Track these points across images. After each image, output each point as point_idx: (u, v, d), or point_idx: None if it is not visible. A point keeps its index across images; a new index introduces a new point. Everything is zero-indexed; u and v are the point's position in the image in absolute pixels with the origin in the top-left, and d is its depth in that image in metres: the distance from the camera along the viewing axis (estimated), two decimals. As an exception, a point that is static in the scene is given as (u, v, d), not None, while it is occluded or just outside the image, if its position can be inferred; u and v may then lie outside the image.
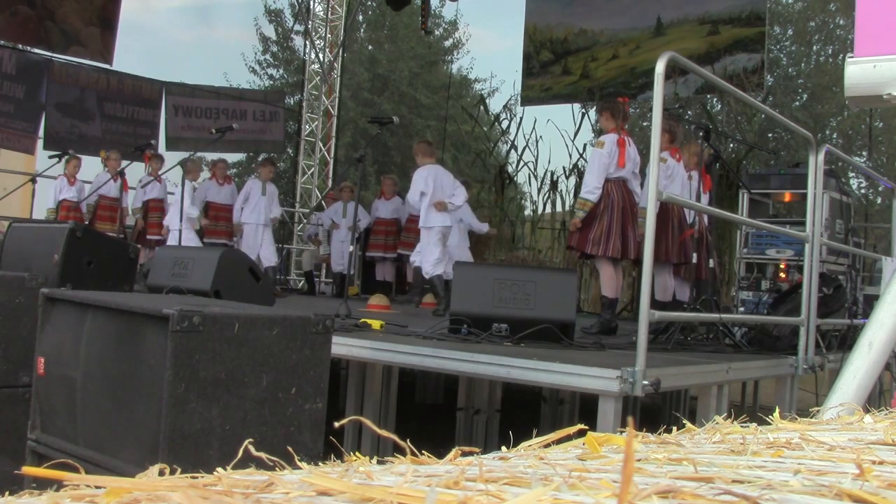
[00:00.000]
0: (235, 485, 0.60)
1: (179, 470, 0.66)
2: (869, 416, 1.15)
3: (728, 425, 1.01)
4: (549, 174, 10.95)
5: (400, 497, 0.56)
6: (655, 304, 4.65)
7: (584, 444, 0.84)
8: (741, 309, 6.97)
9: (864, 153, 16.79)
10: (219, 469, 0.64)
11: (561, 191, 10.81)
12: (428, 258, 6.43)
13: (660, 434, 0.97)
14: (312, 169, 13.49)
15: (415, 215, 9.00)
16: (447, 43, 23.22)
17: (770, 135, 17.55)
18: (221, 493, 0.57)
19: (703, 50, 10.65)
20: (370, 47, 22.85)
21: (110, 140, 11.73)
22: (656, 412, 6.59)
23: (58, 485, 0.60)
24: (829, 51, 18.74)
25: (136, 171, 9.32)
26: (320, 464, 0.73)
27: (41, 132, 11.50)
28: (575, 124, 11.18)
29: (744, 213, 7.17)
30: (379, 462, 0.74)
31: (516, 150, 11.52)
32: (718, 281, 6.99)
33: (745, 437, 0.89)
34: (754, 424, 1.02)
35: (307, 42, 13.87)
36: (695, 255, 5.09)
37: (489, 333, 3.89)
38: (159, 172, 9.21)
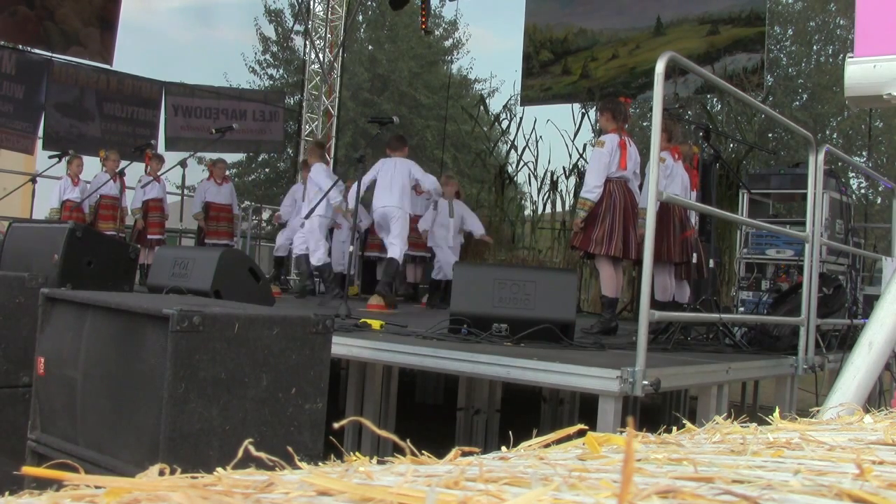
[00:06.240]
0: (235, 485, 0.60)
1: (179, 470, 0.66)
2: (869, 416, 1.15)
3: (728, 425, 1.01)
4: (549, 174, 10.92)
5: (400, 497, 0.55)
6: (655, 304, 4.65)
7: (584, 444, 0.84)
8: (741, 309, 6.97)
9: (864, 153, 16.79)
10: (219, 469, 0.64)
11: (561, 191, 10.78)
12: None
13: (660, 434, 0.97)
14: (312, 169, 13.44)
15: (415, 215, 9.02)
16: (447, 43, 23.22)
17: (770, 135, 17.55)
18: (221, 493, 0.57)
19: (703, 50, 10.65)
20: (370, 47, 22.84)
21: (110, 140, 11.73)
22: (656, 412, 6.59)
23: (58, 485, 0.60)
24: (829, 51, 18.75)
25: (136, 171, 9.34)
26: (320, 464, 0.73)
27: (41, 132, 11.50)
28: (575, 124, 11.13)
29: (744, 213, 7.17)
30: (379, 462, 0.74)
31: (516, 150, 11.50)
32: (718, 280, 6.99)
33: (745, 437, 0.89)
34: (754, 424, 1.02)
35: (307, 42, 13.86)
36: (695, 255, 5.09)
37: (489, 333, 3.89)
38: (158, 173, 9.23)
